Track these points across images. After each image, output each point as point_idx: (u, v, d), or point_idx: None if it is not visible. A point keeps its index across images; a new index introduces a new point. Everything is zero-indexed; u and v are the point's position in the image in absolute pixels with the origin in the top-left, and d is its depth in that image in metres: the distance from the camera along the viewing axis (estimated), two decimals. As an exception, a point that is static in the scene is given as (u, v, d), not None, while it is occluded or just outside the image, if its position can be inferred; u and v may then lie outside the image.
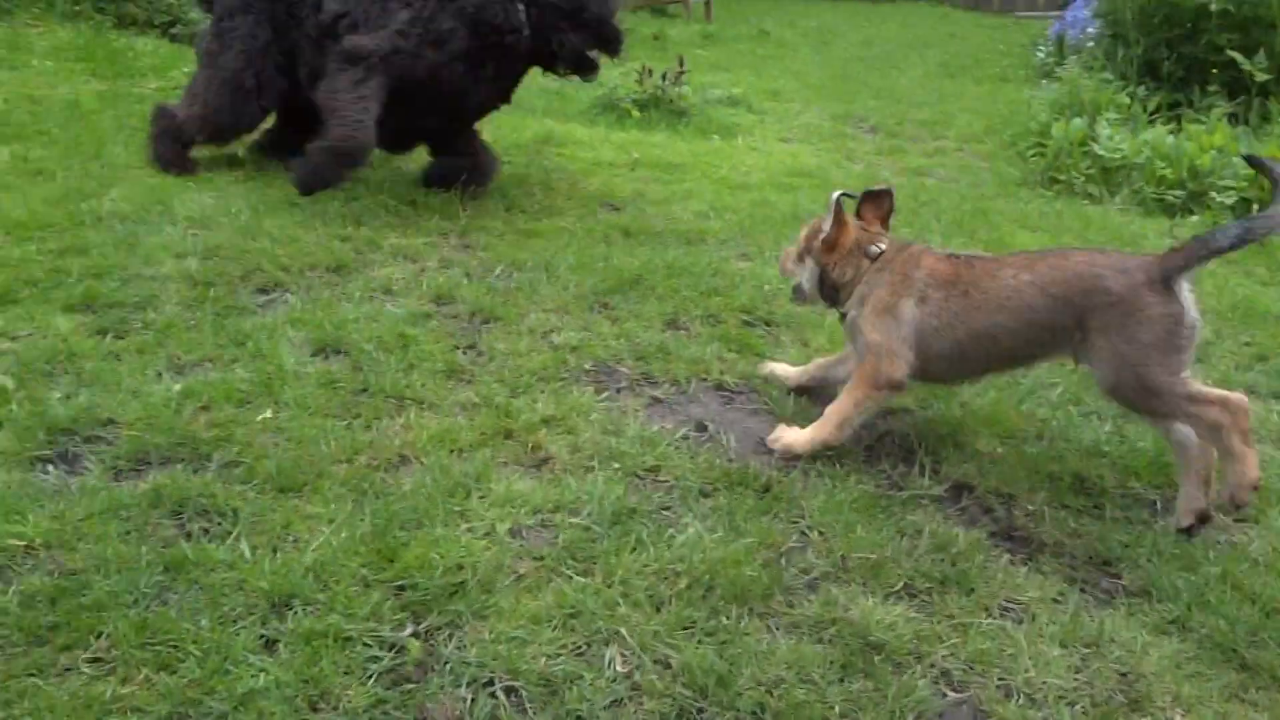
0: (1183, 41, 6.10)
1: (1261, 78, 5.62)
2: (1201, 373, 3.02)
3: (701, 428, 2.50)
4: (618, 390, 2.66)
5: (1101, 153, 5.11)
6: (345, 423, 2.36)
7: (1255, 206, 4.58)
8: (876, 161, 5.69)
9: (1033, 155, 5.68)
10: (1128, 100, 5.74)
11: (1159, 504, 2.33)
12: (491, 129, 5.48)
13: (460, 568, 1.86)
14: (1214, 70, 5.87)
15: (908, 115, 7.29)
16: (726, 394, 2.69)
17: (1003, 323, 2.25)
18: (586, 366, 2.76)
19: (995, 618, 1.91)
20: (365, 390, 2.52)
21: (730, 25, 12.38)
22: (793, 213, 4.24)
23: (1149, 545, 2.13)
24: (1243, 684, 1.78)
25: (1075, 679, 1.77)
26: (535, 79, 7.33)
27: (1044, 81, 8.02)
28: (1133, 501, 2.33)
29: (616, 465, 2.27)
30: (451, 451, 2.27)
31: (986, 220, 4.38)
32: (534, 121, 5.86)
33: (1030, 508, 2.26)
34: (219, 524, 1.94)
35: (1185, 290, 2.15)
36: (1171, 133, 5.20)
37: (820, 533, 2.11)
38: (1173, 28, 6.16)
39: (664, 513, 2.12)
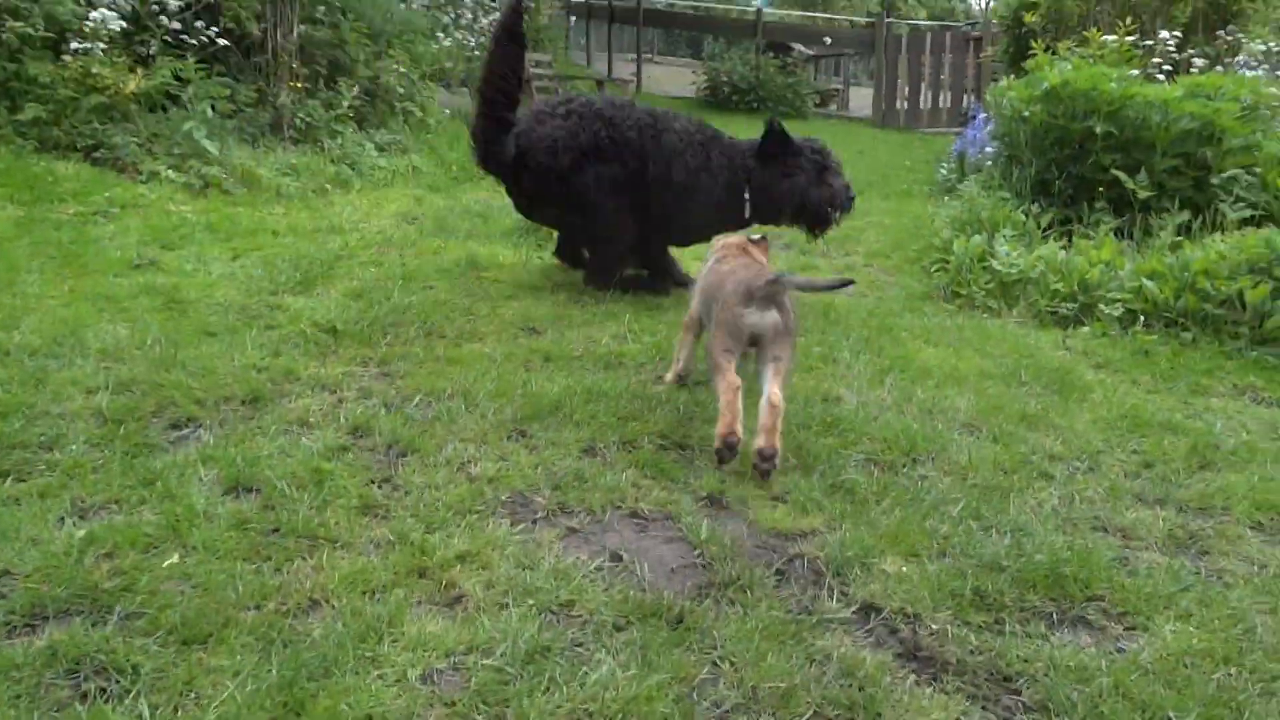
0: (1072, 162, 6.50)
1: (1144, 195, 6.00)
2: (1093, 480, 3.17)
3: (616, 558, 2.54)
4: (534, 522, 2.69)
5: (999, 268, 5.38)
6: (255, 566, 2.34)
7: (1141, 318, 4.85)
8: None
9: (936, 270, 5.94)
10: (1023, 217, 6.08)
11: (1054, 615, 2.42)
12: (413, 253, 5.58)
13: (370, 718, 1.85)
14: (1101, 189, 6.26)
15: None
16: (641, 521, 2.74)
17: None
18: (503, 498, 2.79)
19: (903, 744, 1.95)
20: (277, 530, 2.51)
21: (649, 144, 12.79)
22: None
23: (1046, 659, 2.21)
24: (1136, 799, 1.84)
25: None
26: (461, 201, 7.49)
27: (946, 198, 8.43)
28: (1031, 615, 2.42)
29: (531, 601, 2.29)
30: (364, 593, 2.27)
31: (892, 336, 4.56)
32: (457, 245, 5.97)
33: (934, 626, 2.32)
34: (118, 682, 1.91)
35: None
36: (1063, 248, 5.50)
37: (732, 663, 2.14)
38: (1063, 149, 6.56)
39: (577, 649, 2.14)
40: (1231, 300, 4.74)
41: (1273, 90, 7.63)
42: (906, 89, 18.14)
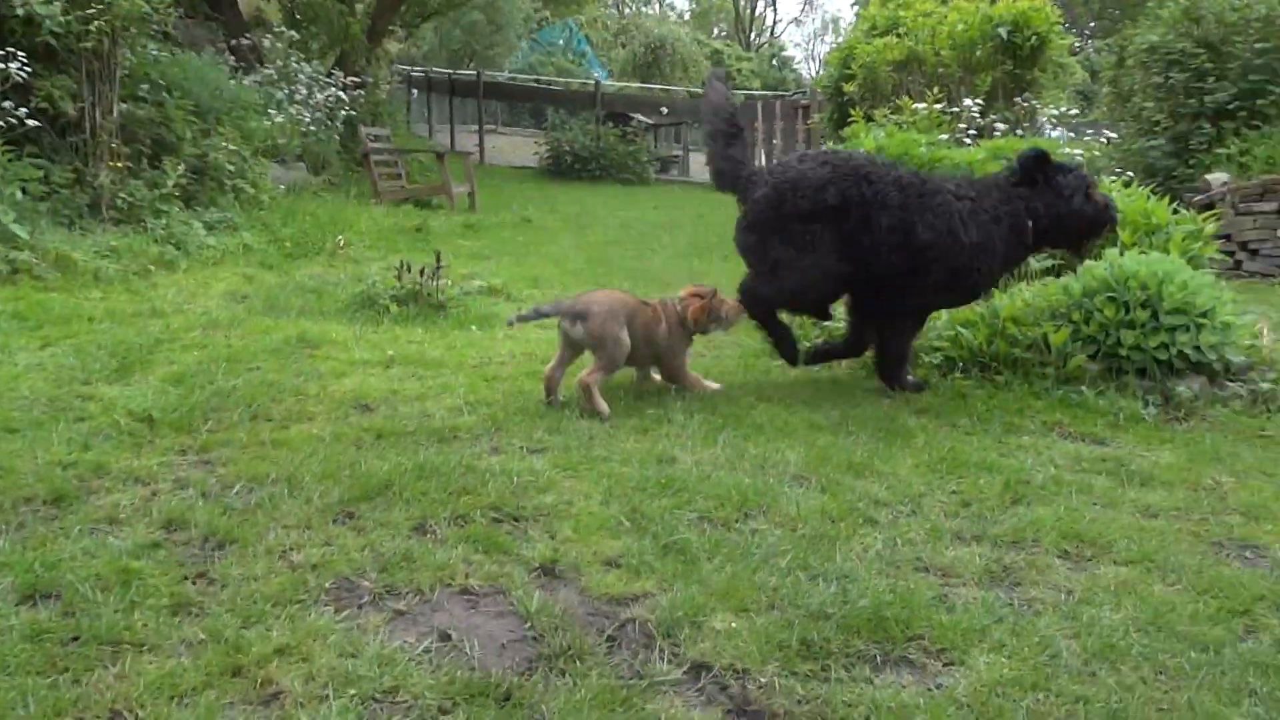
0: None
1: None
2: (915, 523, 3.31)
3: (445, 637, 2.48)
4: (359, 607, 2.61)
5: (829, 325, 5.60)
6: (51, 679, 2.18)
7: (958, 364, 5.13)
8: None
9: (769, 328, 6.13)
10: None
11: (878, 658, 2.49)
12: (240, 334, 5.40)
13: (169, 831, 1.74)
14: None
15: (658, 295, 7.72)
16: (472, 598, 2.69)
17: None
18: (327, 585, 2.70)
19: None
20: (77, 638, 2.35)
21: (494, 214, 12.85)
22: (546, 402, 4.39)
23: (869, 702, 2.27)
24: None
25: None
26: (295, 277, 7.30)
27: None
28: (856, 659, 2.48)
29: (353, 691, 2.21)
30: (172, 698, 2.14)
31: (727, 394, 4.68)
32: (287, 323, 5.82)
33: (763, 680, 2.36)
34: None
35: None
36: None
37: (560, 736, 2.12)
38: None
39: (401, 736, 2.08)
40: (1037, 344, 5.06)
41: (1067, 150, 8.31)
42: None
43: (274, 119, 11.34)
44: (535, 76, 27.54)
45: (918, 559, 3.08)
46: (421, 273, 6.52)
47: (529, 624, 2.55)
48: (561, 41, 33.57)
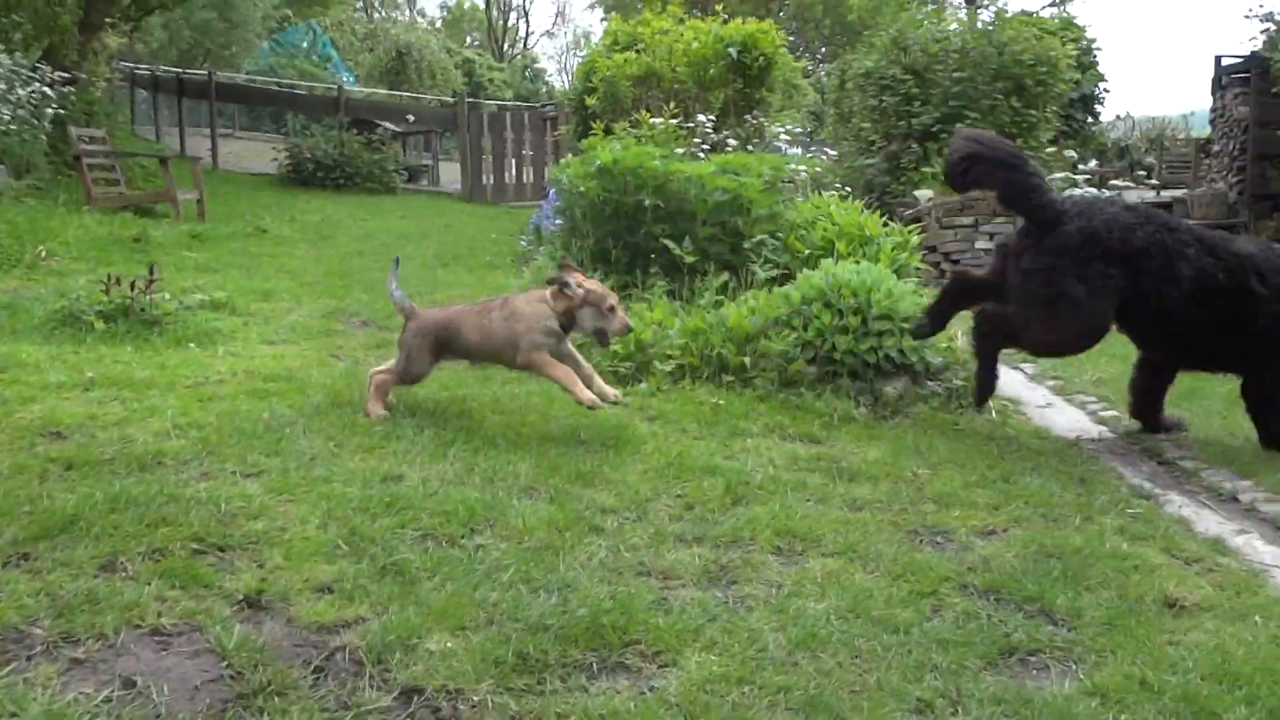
0: (627, 232, 7.03)
1: (689, 260, 6.62)
2: (640, 528, 3.38)
3: (129, 684, 2.28)
4: (28, 659, 2.35)
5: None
6: None
7: (691, 373, 5.31)
8: (364, 358, 5.78)
9: (511, 338, 6.11)
10: (586, 285, 6.45)
11: (595, 666, 2.52)
12: (-93, 359, 4.78)
13: None
14: (653, 256, 6.81)
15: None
16: (163, 638, 2.49)
17: None
18: (-10, 637, 2.41)
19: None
20: None
21: (225, 223, 12.08)
22: (265, 421, 4.15)
23: (582, 710, 2.28)
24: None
25: None
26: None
27: (524, 269, 8.76)
28: (573, 669, 2.49)
29: (11, 753, 1.98)
30: None
31: (461, 408, 4.62)
32: (-32, 345, 5.20)
33: (475, 699, 2.32)
34: None
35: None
36: (621, 312, 5.91)
37: (254, 778, 1.99)
38: (618, 220, 7.07)
39: (65, 799, 1.88)
40: (763, 351, 5.32)
41: (792, 166, 8.81)
42: (492, 165, 18.79)
43: (-38, 117, 10.14)
44: (275, 79, 26.24)
45: (640, 564, 3.14)
46: (132, 286, 6.01)
47: (226, 662, 2.38)
48: (305, 44, 32.19)
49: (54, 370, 4.83)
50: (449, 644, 2.52)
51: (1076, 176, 10.37)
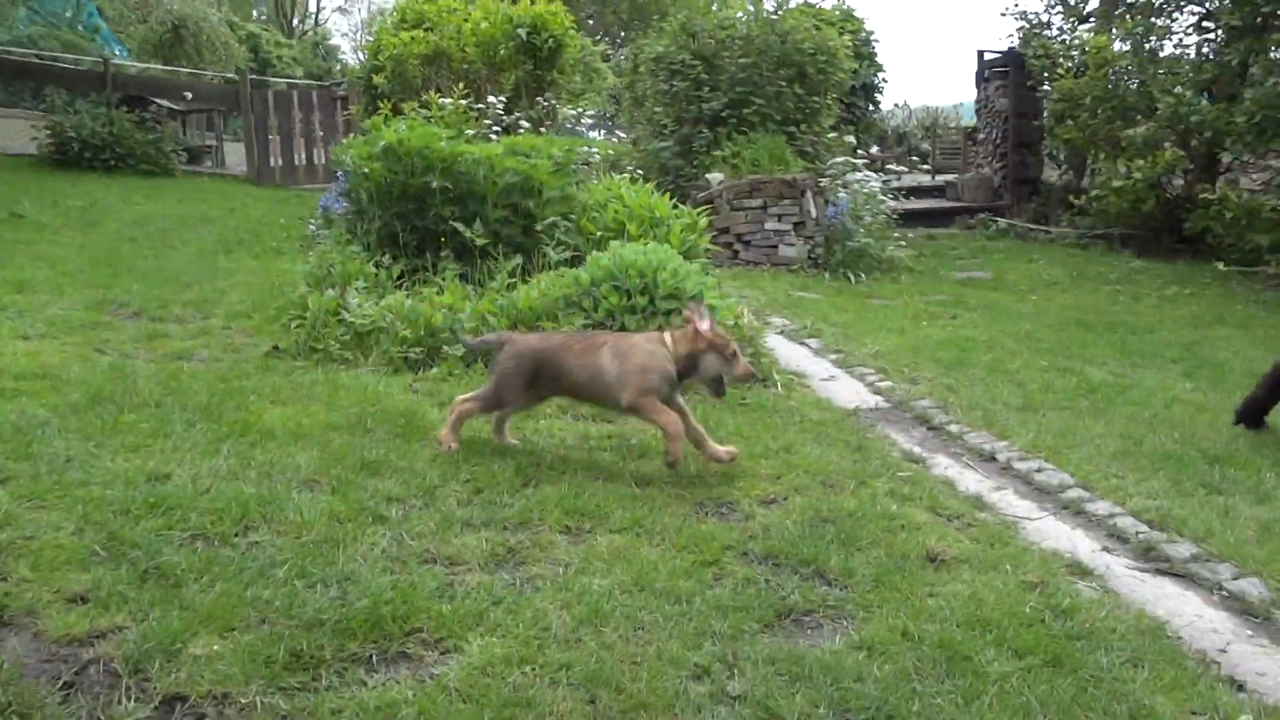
0: (416, 214, 6.86)
1: (481, 242, 6.54)
2: (426, 515, 3.33)
3: None
4: None
5: (352, 320, 5.48)
6: None
7: (479, 357, 5.27)
8: (133, 351, 5.41)
9: (296, 327, 5.87)
10: (374, 269, 6.27)
11: (374, 657, 2.47)
12: None
13: None
14: (443, 239, 6.69)
15: (176, 296, 7.09)
16: (-117, 665, 2.26)
17: None
18: None
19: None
20: None
21: (-27, 209, 11.00)
22: (13, 424, 3.82)
23: (357, 705, 2.24)
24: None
25: None
26: None
27: (311, 254, 8.42)
28: (351, 662, 2.44)
29: None
30: None
31: (237, 401, 4.39)
32: None
33: (244, 701, 2.23)
34: None
35: None
36: (409, 296, 5.78)
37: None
38: (406, 203, 6.89)
39: None
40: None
41: (585, 149, 8.86)
42: (280, 146, 17.92)
43: None
44: (35, 51, 24.04)
45: (425, 551, 3.11)
46: None
47: (-42, 685, 2.19)
48: (69, 13, 29.59)
49: None
50: (216, 647, 2.42)
51: (856, 160, 10.93)
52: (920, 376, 6.02)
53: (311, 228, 9.91)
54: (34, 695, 2.16)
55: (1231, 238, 11.46)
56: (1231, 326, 8.28)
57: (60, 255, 8.74)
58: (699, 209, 7.69)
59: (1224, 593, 3.33)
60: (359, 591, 2.73)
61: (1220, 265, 11.16)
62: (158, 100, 19.36)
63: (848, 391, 5.74)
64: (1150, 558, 3.58)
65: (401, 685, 2.34)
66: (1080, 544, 3.65)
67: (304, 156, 18.28)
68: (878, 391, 5.75)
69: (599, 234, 6.61)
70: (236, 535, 3.06)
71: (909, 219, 12.70)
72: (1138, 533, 3.75)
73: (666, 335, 4.02)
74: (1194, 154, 12.92)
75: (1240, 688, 2.73)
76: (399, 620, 2.61)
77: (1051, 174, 16.70)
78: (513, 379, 4.04)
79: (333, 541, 3.06)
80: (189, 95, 19.99)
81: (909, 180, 16.94)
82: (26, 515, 3.06)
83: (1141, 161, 12.83)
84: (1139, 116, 13.02)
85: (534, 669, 2.47)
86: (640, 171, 9.84)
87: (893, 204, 10.96)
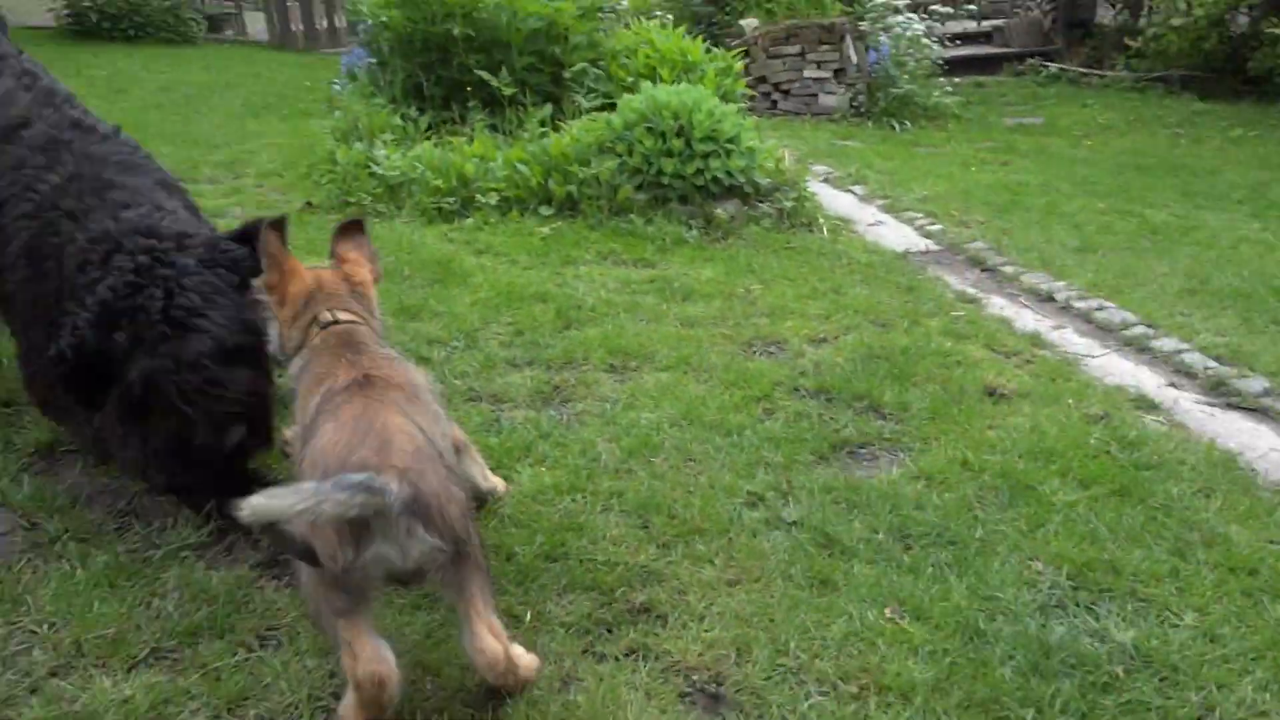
0: (440, 65, 6.62)
1: (508, 91, 6.30)
2: (469, 356, 3.26)
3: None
4: None
5: (381, 172, 5.33)
6: None
7: (517, 204, 5.12)
8: (163, 208, 5.31)
9: (327, 182, 5.74)
10: (400, 121, 6.08)
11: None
12: None
13: None
14: (469, 89, 6.45)
15: (206, 158, 6.97)
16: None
17: None
18: None
19: (254, 651, 1.81)
20: None
21: (-4, 80, 10.82)
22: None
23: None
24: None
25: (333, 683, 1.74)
26: None
27: (337, 113, 8.20)
28: (400, 494, 2.40)
29: None
30: None
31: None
32: None
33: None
34: None
35: None
36: (438, 146, 5.60)
37: (50, 624, 1.83)
38: (429, 53, 6.64)
39: None
40: (589, 180, 5.16)
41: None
42: (300, 11, 17.43)
43: None
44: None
45: (470, 389, 3.05)
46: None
47: (20, 513, 2.18)
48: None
49: None
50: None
51: (898, 3, 10.39)
52: (971, 220, 5.79)
53: (336, 88, 9.65)
54: (92, 520, 2.14)
55: (1301, 76, 10.85)
56: (1299, 167, 7.89)
57: (86, 122, 8.57)
58: (733, 53, 7.33)
59: (1299, 425, 3.20)
60: (404, 426, 2.67)
61: (1288, 105, 10.61)
62: (172, -34, 18.78)
63: (896, 235, 5.54)
64: (1220, 392, 3.44)
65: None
66: (1145, 379, 3.52)
67: (325, 20, 17.79)
68: (927, 235, 5.54)
69: (630, 80, 6.32)
70: (278, 376, 3.01)
71: (955, 66, 12.13)
72: (1206, 368, 3.60)
73: None
74: (1260, -13, 12.14)
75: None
76: (446, 453, 2.56)
77: (1105, 15, 15.84)
78: None
79: (375, 381, 2.99)
80: (205, -42, 19.40)
81: (954, 26, 16.14)
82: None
83: (1203, -3, 12.09)
84: (1202, -52, 12.21)
85: (584, 496, 2.42)
86: (669, 18, 9.41)
87: (938, 49, 10.43)
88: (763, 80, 9.82)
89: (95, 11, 16.39)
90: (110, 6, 16.32)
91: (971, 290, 4.51)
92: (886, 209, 6.13)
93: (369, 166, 5.46)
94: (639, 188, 5.09)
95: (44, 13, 17.23)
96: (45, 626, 1.83)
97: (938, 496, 2.58)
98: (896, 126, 9.34)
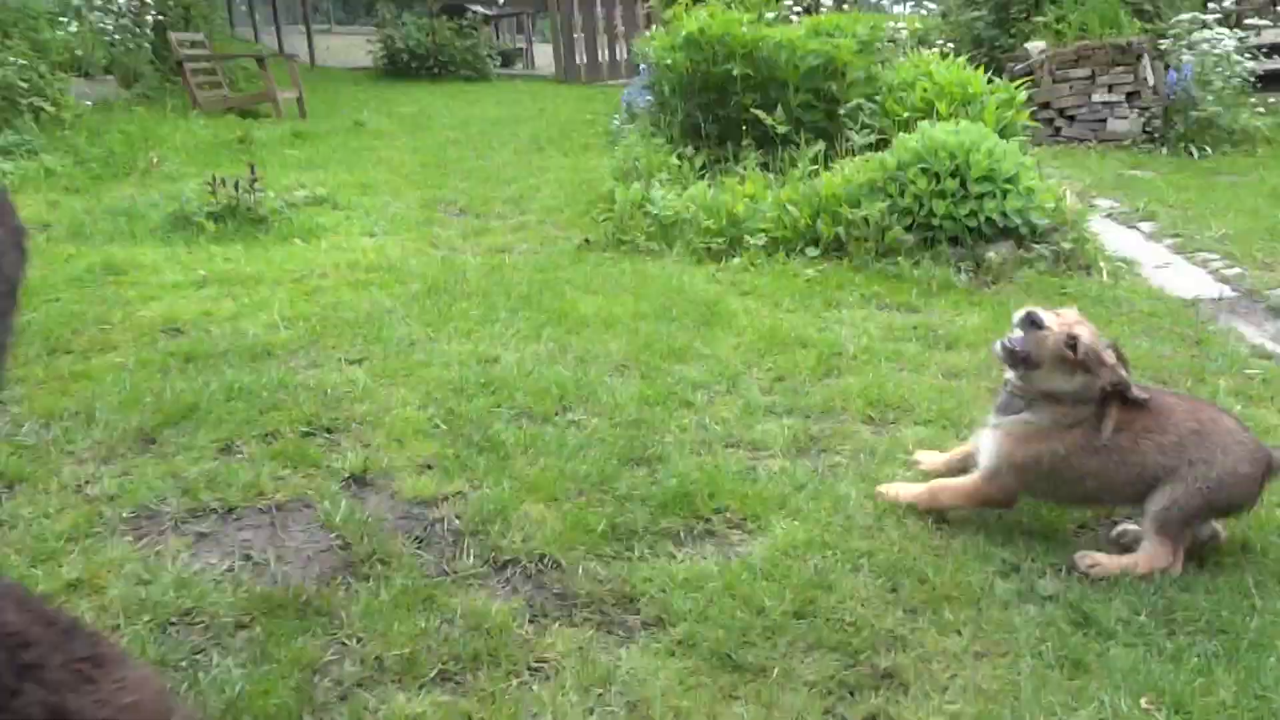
0: (717, 104, 6.88)
1: (782, 130, 6.45)
2: (730, 401, 3.41)
3: (247, 556, 2.46)
4: (159, 534, 2.55)
5: (656, 211, 5.62)
6: None
7: (785, 245, 5.24)
8: (461, 245, 5.87)
9: (603, 220, 6.11)
10: (676, 161, 6.37)
11: (682, 533, 2.59)
12: (39, 265, 5.07)
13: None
14: (745, 127, 6.66)
15: (495, 194, 7.59)
16: (279, 514, 2.66)
17: None
18: (125, 514, 2.62)
19: (523, 680, 2.03)
20: None
21: (324, 120, 12.27)
22: (366, 311, 4.29)
23: (666, 575, 2.36)
24: (733, 685, 2.02)
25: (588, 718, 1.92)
26: (104, 200, 6.86)
27: (616, 149, 8.67)
28: (661, 537, 2.57)
29: (147, 617, 2.17)
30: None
31: (554, 290, 4.65)
32: (91, 250, 5.48)
33: (566, 565, 2.42)
34: None
35: None
36: (711, 186, 5.83)
37: (359, 639, 2.14)
38: (707, 93, 6.92)
39: (196, 657, 2.06)
40: (858, 220, 5.20)
41: (890, 24, 8.41)
42: (584, 44, 18.47)
43: (69, 28, 10.45)
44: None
45: (729, 436, 3.18)
46: (236, 186, 6.20)
47: (336, 534, 2.54)
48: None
49: (170, 270, 5.06)
50: (540, 515, 2.63)
51: (1205, 16, 9.60)
52: (1277, 262, 5.30)
53: (615, 123, 10.19)
54: (393, 546, 2.47)
55: None
56: None
57: (396, 158, 9.57)
58: (1016, 82, 7.09)
59: None
60: (668, 471, 2.86)
61: None
62: (471, 7, 20.46)
63: (1185, 279, 5.17)
64: None
65: (708, 560, 2.45)
66: None
67: (607, 53, 18.71)
68: (1223, 279, 5.13)
69: (905, 115, 6.28)
70: (556, 414, 3.29)
71: (1267, 82, 11.01)
72: None
73: None
74: None
75: None
76: (706, 499, 2.71)
77: None
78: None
79: (642, 423, 3.21)
80: (501, 0, 20.97)
81: (1269, 36, 14.65)
82: (380, 391, 3.44)
83: None
84: None
85: (835, 554, 2.48)
86: (951, 45, 9.21)
87: (1250, 64, 9.53)
88: (1046, 106, 9.39)
89: (405, 52, 18.14)
90: (420, 48, 18.01)
91: (1271, 345, 4.15)
92: (1177, 248, 5.73)
93: (644, 206, 5.76)
94: (908, 229, 5.07)
95: (364, 54, 19.27)
96: (355, 641, 2.13)
97: (1210, 579, 2.43)
98: (1195, 152, 8.64)
